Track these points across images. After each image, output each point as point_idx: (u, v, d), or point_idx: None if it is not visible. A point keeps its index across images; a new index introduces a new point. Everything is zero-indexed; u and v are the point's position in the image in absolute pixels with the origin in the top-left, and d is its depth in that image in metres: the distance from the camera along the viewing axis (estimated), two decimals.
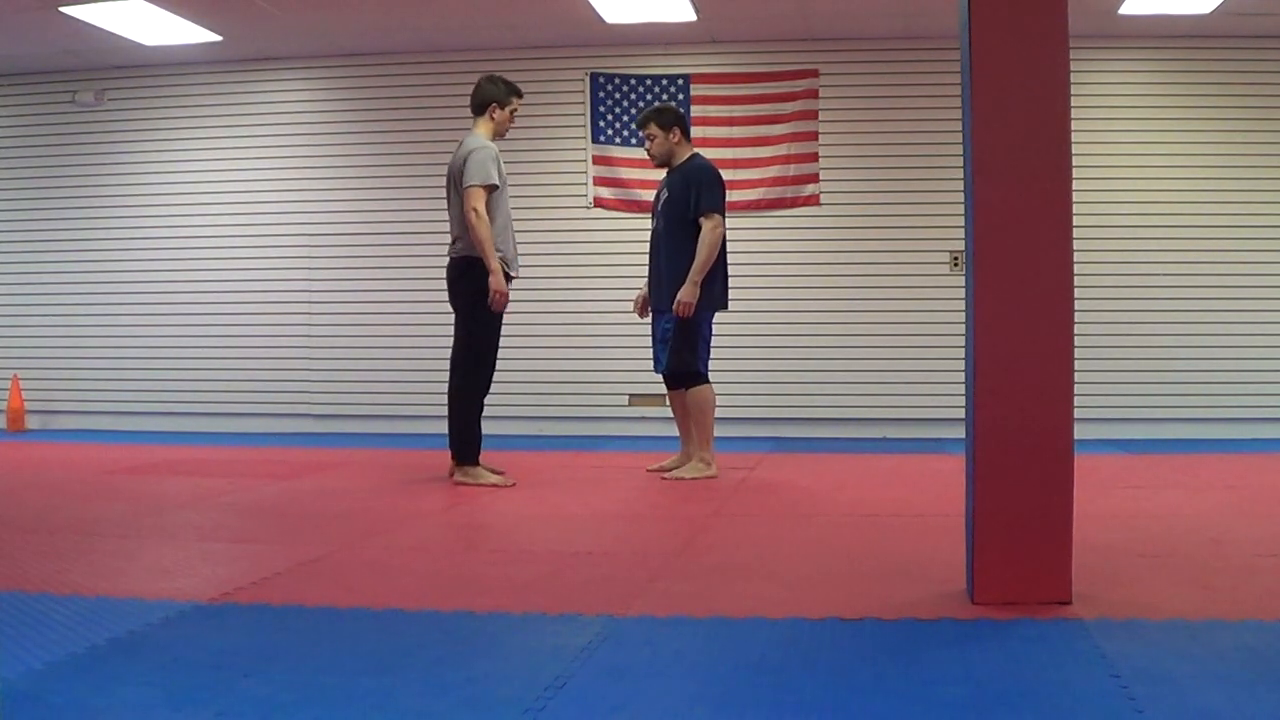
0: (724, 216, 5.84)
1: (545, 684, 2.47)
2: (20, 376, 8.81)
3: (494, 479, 5.60)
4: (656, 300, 5.96)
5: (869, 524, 4.61)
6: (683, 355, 5.82)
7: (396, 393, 8.40)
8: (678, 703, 2.40)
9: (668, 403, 6.21)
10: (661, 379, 6.07)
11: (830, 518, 4.78)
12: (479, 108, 5.73)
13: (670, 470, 5.95)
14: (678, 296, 5.70)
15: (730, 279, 6.04)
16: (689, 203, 5.79)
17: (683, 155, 5.97)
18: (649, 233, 6.09)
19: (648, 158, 6.15)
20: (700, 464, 5.88)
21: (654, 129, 5.95)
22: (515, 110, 5.77)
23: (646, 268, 6.05)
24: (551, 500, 5.22)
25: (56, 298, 8.84)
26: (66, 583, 3.43)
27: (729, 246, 6.01)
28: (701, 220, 5.73)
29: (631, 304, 6.27)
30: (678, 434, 6.10)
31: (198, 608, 3.15)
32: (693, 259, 5.71)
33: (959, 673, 2.57)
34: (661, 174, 6.09)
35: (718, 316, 5.98)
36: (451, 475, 5.68)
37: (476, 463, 5.64)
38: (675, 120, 5.98)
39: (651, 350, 6.06)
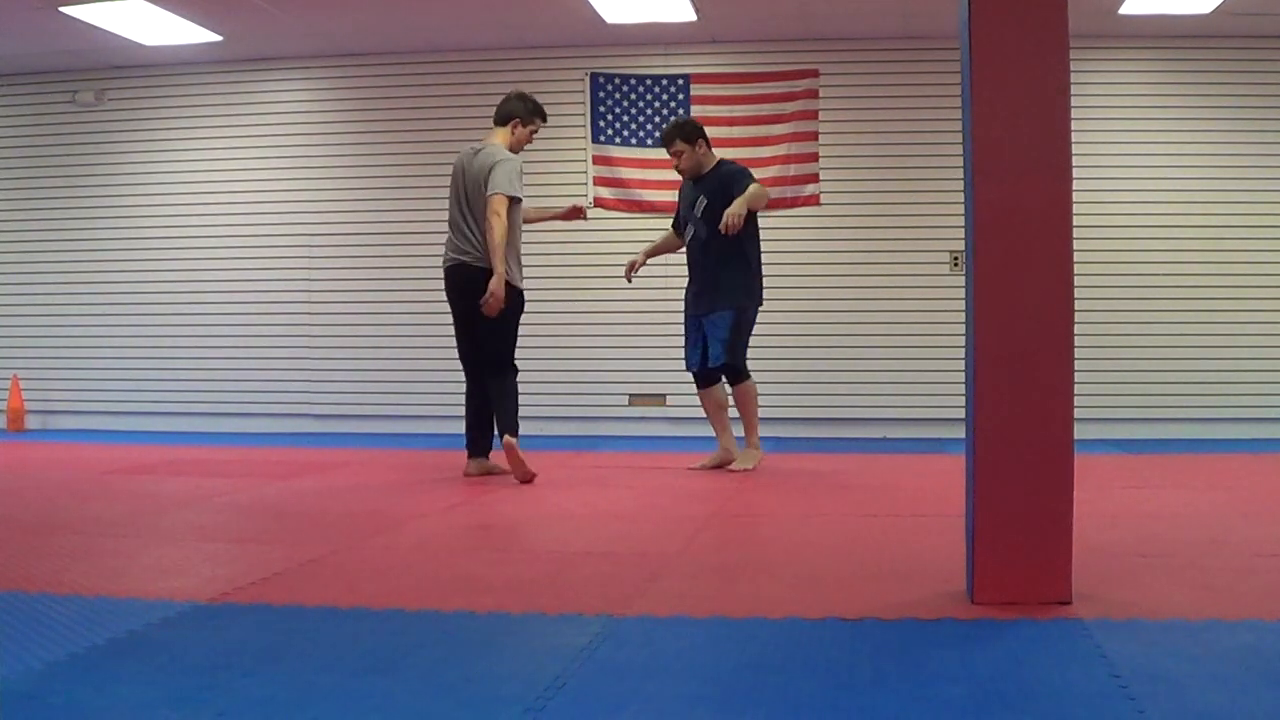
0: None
1: (545, 684, 2.47)
2: (20, 376, 8.81)
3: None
4: (696, 307, 6.02)
5: (869, 524, 4.61)
6: (737, 350, 5.92)
7: (396, 393, 8.41)
8: (678, 703, 2.40)
9: (699, 402, 6.22)
10: (693, 377, 6.13)
11: (830, 518, 4.77)
12: (503, 119, 5.83)
13: (713, 465, 6.06)
14: (726, 212, 5.67)
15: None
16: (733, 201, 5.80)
17: (710, 163, 6.03)
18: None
19: (675, 171, 6.16)
20: (754, 451, 6.06)
21: (680, 145, 6.01)
22: (535, 131, 5.88)
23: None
24: (551, 500, 5.22)
25: (56, 298, 8.84)
26: (66, 583, 3.42)
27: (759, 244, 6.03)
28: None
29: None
30: (694, 434, 6.12)
31: (198, 608, 3.15)
32: (746, 260, 5.83)
33: (959, 673, 2.57)
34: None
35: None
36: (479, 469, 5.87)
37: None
38: (698, 132, 6.05)
39: (684, 350, 6.13)
